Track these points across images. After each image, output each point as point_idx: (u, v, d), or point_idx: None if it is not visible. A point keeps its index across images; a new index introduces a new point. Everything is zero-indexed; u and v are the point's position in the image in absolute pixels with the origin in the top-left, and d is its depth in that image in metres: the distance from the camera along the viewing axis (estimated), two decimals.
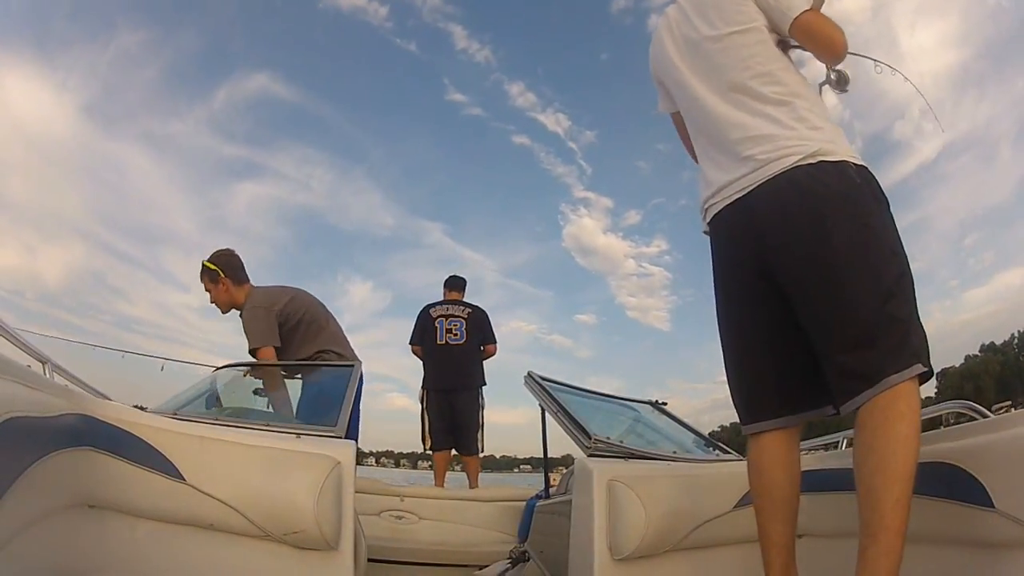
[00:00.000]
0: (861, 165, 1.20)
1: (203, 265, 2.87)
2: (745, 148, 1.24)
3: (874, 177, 1.20)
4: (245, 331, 2.71)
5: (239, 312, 2.80)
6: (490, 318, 4.25)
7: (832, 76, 1.34)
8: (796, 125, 1.22)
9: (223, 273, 2.81)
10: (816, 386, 1.20)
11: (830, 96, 1.37)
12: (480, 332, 4.11)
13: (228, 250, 2.92)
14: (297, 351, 2.74)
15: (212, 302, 2.85)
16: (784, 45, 1.35)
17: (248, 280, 2.86)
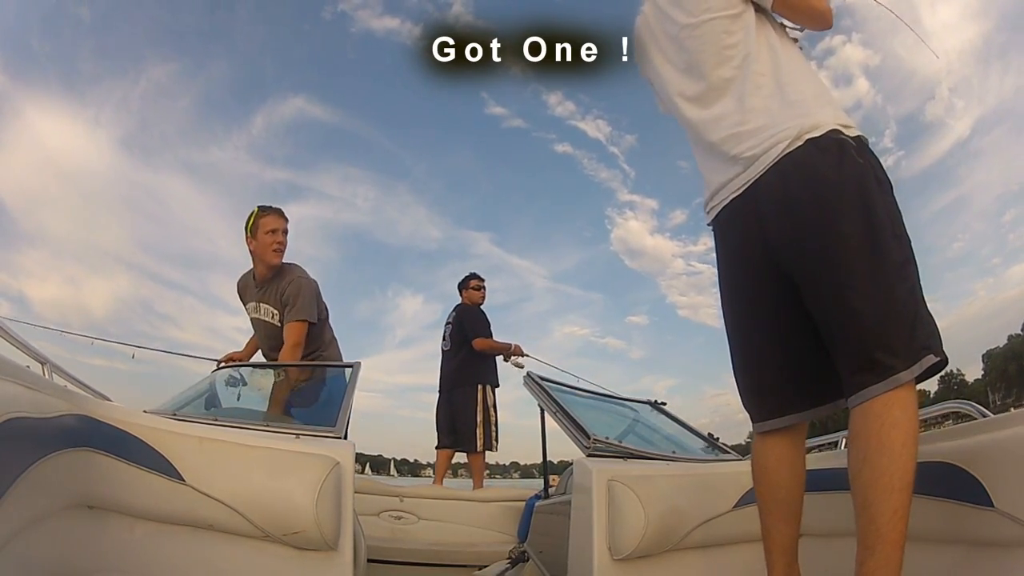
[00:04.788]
0: (854, 137, 1.14)
1: (278, 211, 2.65)
2: (730, 147, 1.22)
3: (873, 153, 1.15)
4: (296, 300, 2.58)
5: (268, 275, 2.65)
6: (474, 315, 4.11)
7: None
8: (773, 106, 1.18)
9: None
10: (831, 380, 1.15)
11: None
12: (461, 334, 4.04)
13: None
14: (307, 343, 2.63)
15: (256, 252, 2.62)
16: (766, 14, 1.30)
17: None
